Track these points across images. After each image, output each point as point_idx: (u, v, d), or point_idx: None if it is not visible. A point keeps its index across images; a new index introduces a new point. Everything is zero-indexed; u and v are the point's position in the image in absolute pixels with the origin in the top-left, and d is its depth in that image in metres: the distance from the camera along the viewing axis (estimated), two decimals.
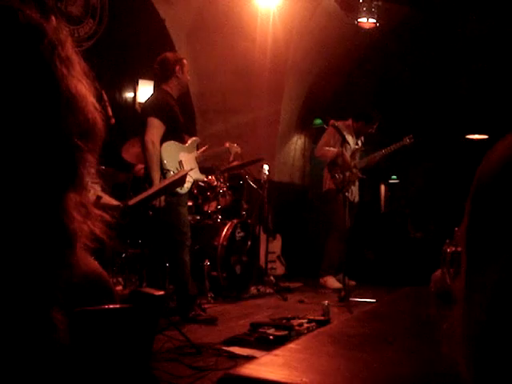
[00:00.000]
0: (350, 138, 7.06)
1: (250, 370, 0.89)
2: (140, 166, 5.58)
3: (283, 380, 0.84)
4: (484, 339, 0.55)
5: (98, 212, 0.94)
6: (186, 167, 4.84)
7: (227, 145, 5.73)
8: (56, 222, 0.82)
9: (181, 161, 4.89)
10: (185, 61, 5.01)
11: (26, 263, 0.79)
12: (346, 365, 0.95)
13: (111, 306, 1.04)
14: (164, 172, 4.72)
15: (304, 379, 0.82)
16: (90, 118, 0.88)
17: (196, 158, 5.15)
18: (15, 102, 0.79)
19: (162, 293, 1.19)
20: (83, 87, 0.88)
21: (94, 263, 1.06)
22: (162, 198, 4.59)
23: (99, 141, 0.90)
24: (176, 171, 4.72)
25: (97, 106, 0.91)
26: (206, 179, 5.74)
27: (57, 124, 0.82)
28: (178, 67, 4.90)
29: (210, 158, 5.79)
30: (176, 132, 4.91)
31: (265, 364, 0.94)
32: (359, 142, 7.23)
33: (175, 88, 4.96)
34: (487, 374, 0.55)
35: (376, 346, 1.14)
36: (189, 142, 5.12)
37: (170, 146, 4.81)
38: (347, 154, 6.90)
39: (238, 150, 5.85)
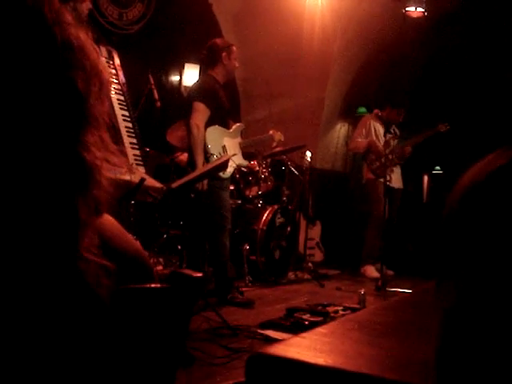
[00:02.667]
0: (380, 127, 7.10)
1: (277, 349, 0.95)
2: (181, 156, 5.68)
3: (308, 360, 0.89)
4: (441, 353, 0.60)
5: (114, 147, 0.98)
6: (230, 152, 4.90)
7: (271, 132, 5.82)
8: (74, 154, 0.85)
9: (224, 145, 4.95)
10: (234, 48, 5.05)
11: (45, 193, 0.82)
12: (369, 350, 1.00)
13: (151, 285, 1.09)
14: (207, 156, 4.78)
15: (328, 360, 0.87)
16: (92, 61, 0.90)
17: (240, 144, 5.22)
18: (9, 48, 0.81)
19: (200, 274, 1.24)
20: (81, 33, 0.90)
21: (134, 242, 1.11)
22: (205, 181, 4.66)
23: (104, 83, 0.93)
24: (219, 156, 4.79)
25: (99, 51, 0.94)
26: (248, 164, 5.79)
27: (57, 66, 0.84)
28: (224, 54, 4.94)
29: (253, 144, 5.89)
30: (221, 117, 4.96)
31: (292, 345, 0.99)
32: (392, 131, 7.20)
33: (221, 74, 5.01)
34: None
35: (399, 334, 1.19)
36: (233, 127, 5.18)
37: (214, 131, 4.87)
38: (379, 143, 6.94)
39: (282, 137, 5.93)
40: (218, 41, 5.16)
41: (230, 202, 5.17)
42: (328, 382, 0.85)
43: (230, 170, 4.86)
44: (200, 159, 4.72)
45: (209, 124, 4.82)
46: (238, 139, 5.22)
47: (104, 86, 0.94)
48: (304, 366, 0.87)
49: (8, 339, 0.80)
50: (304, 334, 1.09)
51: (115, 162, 0.96)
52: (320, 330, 1.16)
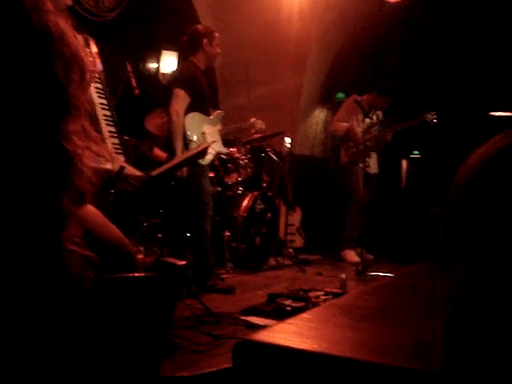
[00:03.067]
0: (361, 112, 7.13)
1: (264, 336, 0.96)
2: (157, 152, 5.65)
3: (294, 346, 0.90)
4: (452, 330, 0.61)
5: (96, 135, 0.97)
6: (209, 139, 4.89)
7: (252, 120, 5.81)
8: (54, 144, 0.86)
9: (204, 132, 4.93)
10: (216, 34, 5.01)
11: (26, 184, 0.82)
12: (354, 334, 1.02)
13: (136, 275, 1.10)
14: (187, 142, 4.78)
15: (314, 346, 0.89)
16: (73, 48, 0.90)
17: (219, 131, 5.20)
18: None
19: (184, 262, 1.25)
20: (61, 20, 0.90)
21: (117, 232, 1.12)
22: (185, 168, 4.66)
23: (85, 71, 0.93)
24: (199, 142, 4.78)
25: (78, 39, 0.94)
26: (227, 151, 5.79)
27: (35, 54, 0.84)
28: (205, 40, 4.91)
29: (233, 132, 5.90)
30: (201, 104, 4.94)
31: (278, 331, 1.01)
32: (374, 117, 7.23)
33: (202, 60, 4.98)
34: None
35: (383, 318, 1.20)
36: (213, 114, 5.17)
37: (194, 117, 4.86)
38: (358, 128, 6.96)
39: (263, 125, 5.91)
40: (200, 27, 5.14)
41: (210, 188, 5.16)
42: (314, 367, 0.86)
43: (209, 157, 4.85)
44: (179, 146, 4.72)
45: (189, 111, 4.81)
46: (218, 126, 5.21)
47: (85, 74, 0.93)
48: (291, 352, 0.88)
49: None
50: (289, 320, 1.10)
51: (97, 150, 0.96)
52: (305, 315, 1.17)
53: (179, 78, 4.87)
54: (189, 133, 4.80)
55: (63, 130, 0.87)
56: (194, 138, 4.84)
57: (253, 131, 6.13)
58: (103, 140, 2.83)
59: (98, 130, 3.09)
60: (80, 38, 3.36)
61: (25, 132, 0.82)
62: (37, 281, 0.82)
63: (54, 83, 0.86)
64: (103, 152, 1.08)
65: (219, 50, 5.09)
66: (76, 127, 0.90)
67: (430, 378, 0.74)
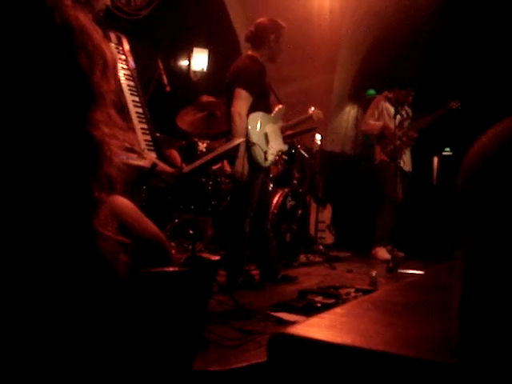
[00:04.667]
0: (391, 109, 7.07)
1: (298, 329, 0.98)
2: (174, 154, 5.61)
3: (328, 339, 0.92)
4: (465, 313, 0.62)
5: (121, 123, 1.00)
6: (271, 139, 4.80)
7: (311, 111, 5.54)
8: (82, 131, 0.88)
9: (266, 133, 4.79)
10: (284, 30, 4.85)
11: (56, 172, 0.85)
12: (386, 329, 1.03)
13: (171, 269, 1.12)
14: (249, 145, 4.60)
15: (347, 340, 0.90)
16: (94, 40, 0.93)
17: (281, 129, 5.08)
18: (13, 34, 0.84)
19: (217, 258, 1.27)
20: (81, 15, 0.93)
21: (153, 226, 1.13)
22: (246, 171, 4.55)
23: (107, 62, 0.95)
24: (262, 145, 4.67)
25: (100, 32, 0.97)
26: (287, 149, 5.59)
27: (58, 47, 0.87)
28: (273, 36, 4.77)
29: (294, 127, 5.65)
30: (263, 102, 4.80)
31: (312, 325, 1.02)
32: (403, 112, 7.18)
33: (265, 56, 4.82)
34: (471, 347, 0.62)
35: (414, 313, 1.21)
36: (275, 111, 5.02)
37: (256, 118, 4.70)
38: (392, 125, 6.88)
39: (321, 115, 5.64)
40: (268, 21, 4.88)
41: (268, 189, 5.09)
42: (348, 361, 0.88)
43: (271, 158, 4.75)
44: (242, 149, 4.56)
45: (251, 110, 4.64)
46: (279, 124, 5.05)
47: (108, 65, 0.96)
48: (325, 346, 0.90)
49: (27, 318, 0.82)
50: (322, 315, 1.11)
51: (124, 138, 0.98)
52: (337, 310, 1.19)
53: (241, 77, 4.64)
54: (251, 135, 4.61)
55: (90, 118, 0.90)
56: (257, 139, 4.66)
57: (312, 123, 5.94)
58: (130, 128, 2.87)
59: (130, 128, 3.13)
60: (113, 35, 3.42)
61: (53, 120, 0.85)
62: (72, 267, 0.85)
63: (78, 73, 0.89)
64: (131, 140, 1.11)
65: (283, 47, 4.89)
66: (102, 116, 0.93)
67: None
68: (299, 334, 0.94)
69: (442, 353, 0.83)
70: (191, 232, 5.48)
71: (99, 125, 0.91)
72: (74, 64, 0.89)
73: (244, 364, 2.84)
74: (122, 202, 1.03)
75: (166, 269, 1.11)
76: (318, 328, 0.98)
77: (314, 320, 1.07)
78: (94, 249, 0.87)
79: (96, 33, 0.95)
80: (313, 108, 5.56)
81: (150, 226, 1.14)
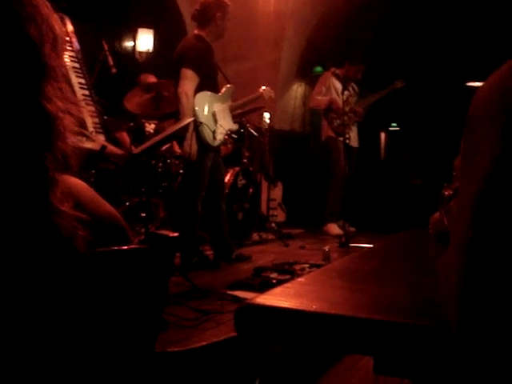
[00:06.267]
0: (338, 85, 7.10)
1: (264, 299, 0.97)
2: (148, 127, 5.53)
3: (295, 307, 0.92)
4: (469, 270, 0.62)
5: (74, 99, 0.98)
6: (220, 119, 4.77)
7: (261, 90, 5.48)
8: (36, 105, 0.86)
9: (214, 112, 4.75)
10: (229, 7, 4.78)
11: (9, 146, 0.82)
12: (353, 295, 1.04)
13: (130, 247, 1.10)
14: (197, 125, 4.56)
15: (314, 307, 0.90)
16: (44, 14, 0.91)
17: (230, 107, 5.04)
18: None
19: (176, 234, 1.25)
20: None
21: (108, 205, 1.11)
22: (194, 151, 4.53)
23: (57, 36, 0.93)
24: (210, 124, 4.64)
25: (49, 7, 0.94)
26: (237, 128, 5.55)
27: (7, 17, 0.85)
28: (218, 13, 4.71)
29: (243, 106, 5.59)
30: (211, 81, 4.75)
31: (278, 294, 1.02)
32: (350, 89, 7.24)
33: (212, 34, 4.77)
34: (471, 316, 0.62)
35: (380, 278, 1.23)
36: (223, 90, 4.97)
37: (203, 97, 4.66)
38: (339, 100, 6.90)
39: (272, 94, 5.60)
40: None
41: (222, 169, 5.07)
42: (317, 328, 0.88)
43: (220, 137, 4.73)
44: (190, 128, 4.51)
45: (198, 89, 4.60)
46: (228, 103, 5.01)
47: (58, 39, 0.93)
48: (294, 313, 0.90)
49: None
50: (287, 285, 1.11)
51: (78, 113, 0.96)
52: (302, 279, 1.19)
53: (187, 57, 4.58)
54: (199, 114, 4.58)
55: (43, 91, 0.87)
56: (204, 119, 4.63)
57: (262, 101, 5.84)
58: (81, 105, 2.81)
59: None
60: (49, 5, 3.33)
61: (5, 92, 0.83)
62: (28, 243, 0.82)
63: (27, 43, 0.87)
64: (84, 116, 1.10)
65: (229, 24, 4.84)
66: (55, 90, 0.90)
67: (433, 333, 0.76)
68: (266, 304, 0.94)
69: (415, 316, 0.84)
70: (143, 215, 5.42)
71: (53, 99, 0.89)
72: (22, 34, 0.86)
73: (204, 343, 2.85)
74: (76, 181, 1.01)
75: (125, 247, 1.09)
76: (285, 297, 0.98)
77: (279, 289, 1.07)
78: (52, 224, 0.85)
79: (45, 6, 0.92)
80: (264, 87, 5.52)
81: (106, 205, 1.12)
